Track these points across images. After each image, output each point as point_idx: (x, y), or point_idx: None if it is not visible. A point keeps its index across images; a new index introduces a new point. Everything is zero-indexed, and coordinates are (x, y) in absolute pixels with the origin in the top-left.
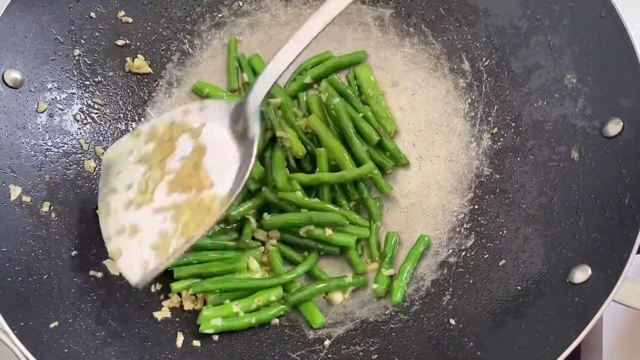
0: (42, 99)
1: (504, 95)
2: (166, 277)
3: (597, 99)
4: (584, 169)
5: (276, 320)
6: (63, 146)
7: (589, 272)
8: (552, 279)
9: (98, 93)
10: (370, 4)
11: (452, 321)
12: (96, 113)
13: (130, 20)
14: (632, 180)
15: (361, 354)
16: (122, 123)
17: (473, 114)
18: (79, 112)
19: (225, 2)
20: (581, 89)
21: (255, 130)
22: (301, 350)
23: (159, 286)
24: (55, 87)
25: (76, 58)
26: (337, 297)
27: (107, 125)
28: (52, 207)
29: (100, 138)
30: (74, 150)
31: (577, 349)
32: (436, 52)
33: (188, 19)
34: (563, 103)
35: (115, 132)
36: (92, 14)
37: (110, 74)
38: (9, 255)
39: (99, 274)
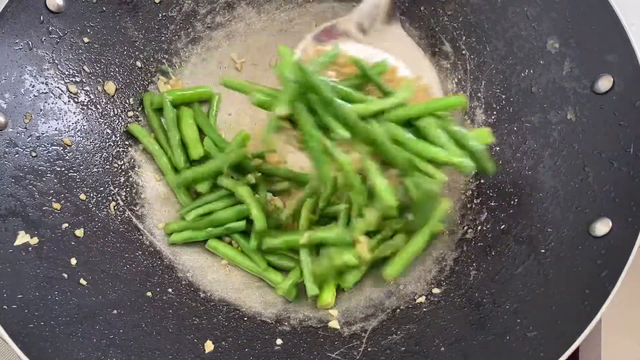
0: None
1: (489, 70)
2: None
3: (582, 59)
4: (583, 128)
5: None
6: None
7: (610, 223)
8: (574, 237)
9: (85, 122)
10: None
11: (484, 294)
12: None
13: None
14: (633, 130)
15: (401, 341)
16: (113, 148)
17: (462, 92)
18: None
19: (198, 17)
20: (565, 52)
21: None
22: (340, 349)
23: None
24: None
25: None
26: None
27: (97, 153)
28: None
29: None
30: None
31: (576, 350)
32: (415, 38)
33: (163, 38)
34: (549, 68)
35: (107, 156)
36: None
37: (94, 98)
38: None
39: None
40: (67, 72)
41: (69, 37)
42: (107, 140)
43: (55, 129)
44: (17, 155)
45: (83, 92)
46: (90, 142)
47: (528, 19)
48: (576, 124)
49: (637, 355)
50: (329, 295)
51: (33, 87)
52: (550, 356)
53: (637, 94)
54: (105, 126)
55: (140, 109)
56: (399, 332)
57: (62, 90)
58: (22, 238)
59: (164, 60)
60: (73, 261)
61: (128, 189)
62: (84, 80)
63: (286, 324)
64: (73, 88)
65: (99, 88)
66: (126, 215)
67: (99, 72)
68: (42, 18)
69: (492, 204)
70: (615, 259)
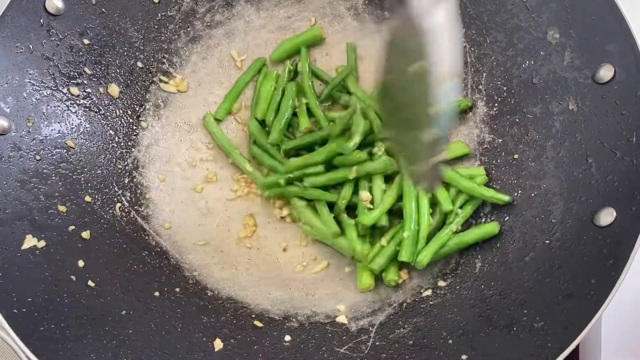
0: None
1: (490, 62)
2: None
3: (583, 49)
4: (585, 118)
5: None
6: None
7: (614, 213)
8: (578, 227)
9: (87, 124)
10: None
11: (489, 286)
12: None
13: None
14: (635, 119)
15: (409, 334)
16: (116, 150)
17: (463, 85)
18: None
19: (197, 16)
20: (565, 42)
21: None
22: (348, 344)
23: None
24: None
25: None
26: None
27: (101, 155)
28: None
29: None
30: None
31: (576, 350)
32: None
33: (163, 38)
34: (550, 59)
35: (110, 157)
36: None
37: (96, 100)
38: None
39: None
40: (68, 75)
41: (69, 39)
42: (110, 142)
43: (59, 132)
44: (21, 159)
45: (85, 94)
46: (94, 144)
47: (528, 10)
48: (578, 114)
49: (637, 356)
50: (369, 278)
51: (35, 90)
52: (558, 346)
53: (638, 83)
54: (108, 127)
55: (142, 110)
56: (406, 326)
57: (63, 93)
58: (29, 242)
59: (165, 60)
60: (80, 263)
61: (133, 190)
62: (85, 82)
63: (294, 320)
64: (75, 90)
65: (101, 89)
66: (132, 216)
67: (100, 74)
68: (42, 21)
69: None
70: (621, 248)
